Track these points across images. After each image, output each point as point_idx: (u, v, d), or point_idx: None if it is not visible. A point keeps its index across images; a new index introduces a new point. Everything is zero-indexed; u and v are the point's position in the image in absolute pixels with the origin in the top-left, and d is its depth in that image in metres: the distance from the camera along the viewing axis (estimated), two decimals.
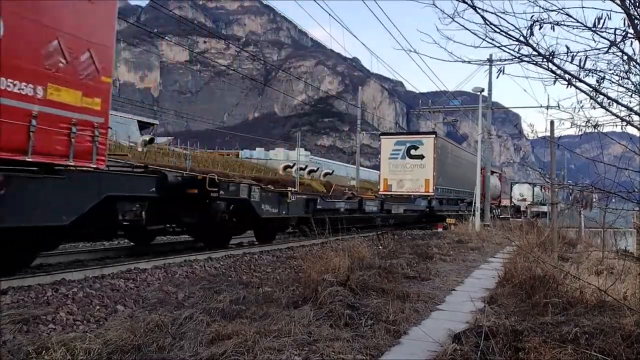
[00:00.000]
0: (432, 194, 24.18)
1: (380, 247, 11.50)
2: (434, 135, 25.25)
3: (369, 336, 4.54)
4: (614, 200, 5.22)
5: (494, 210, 37.70)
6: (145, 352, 3.94)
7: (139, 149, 37.73)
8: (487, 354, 3.72)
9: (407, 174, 24.90)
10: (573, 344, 3.76)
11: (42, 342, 3.88)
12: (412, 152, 25.08)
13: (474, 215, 23.85)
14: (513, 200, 53.00)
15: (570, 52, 3.71)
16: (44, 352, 3.63)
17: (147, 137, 44.66)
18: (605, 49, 3.73)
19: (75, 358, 3.61)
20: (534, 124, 5.87)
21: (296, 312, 5.06)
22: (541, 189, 59.74)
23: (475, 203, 24.84)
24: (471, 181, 29.83)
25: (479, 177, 28.27)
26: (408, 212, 23.49)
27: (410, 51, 5.67)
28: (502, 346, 3.86)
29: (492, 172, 38.76)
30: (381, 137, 27.25)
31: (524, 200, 52.36)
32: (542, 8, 3.62)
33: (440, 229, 21.73)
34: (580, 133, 4.88)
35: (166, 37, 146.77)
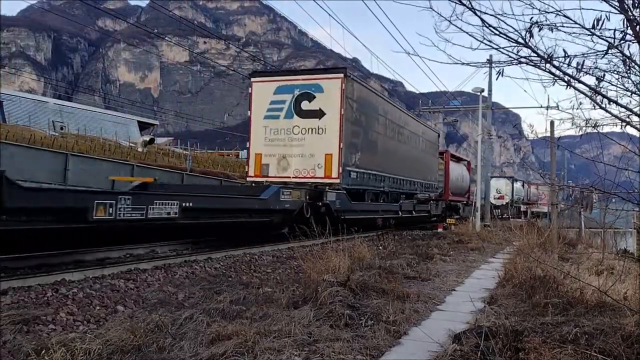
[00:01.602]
0: (338, 181, 14.18)
1: (380, 247, 11.51)
2: (343, 75, 14.50)
3: (369, 336, 4.54)
4: (613, 200, 5.22)
5: (460, 210, 30.90)
6: (146, 352, 3.94)
7: (139, 149, 37.76)
8: (487, 354, 3.72)
9: (294, 147, 14.65)
10: (573, 344, 3.76)
11: (42, 342, 3.89)
12: (305, 105, 14.65)
13: (474, 215, 23.89)
14: (490, 197, 47.31)
15: (568, 56, 3.72)
16: (44, 352, 3.63)
17: (147, 138, 44.70)
18: (604, 52, 3.74)
19: (75, 358, 3.61)
20: (534, 124, 5.88)
21: (296, 313, 5.07)
22: (523, 185, 52.91)
23: (475, 203, 24.85)
24: (426, 166, 23.80)
25: (480, 177, 27.93)
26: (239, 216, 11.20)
27: (410, 54, 5.67)
28: (502, 346, 3.86)
29: (458, 159, 33.03)
30: (252, 78, 15.78)
31: (501, 198, 44.54)
32: (540, 10, 3.62)
33: (440, 229, 21.72)
34: (580, 133, 4.89)
35: (166, 38, 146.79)
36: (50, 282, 6.35)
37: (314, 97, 14.73)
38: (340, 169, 14.34)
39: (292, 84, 15.18)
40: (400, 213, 19.89)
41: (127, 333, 4.15)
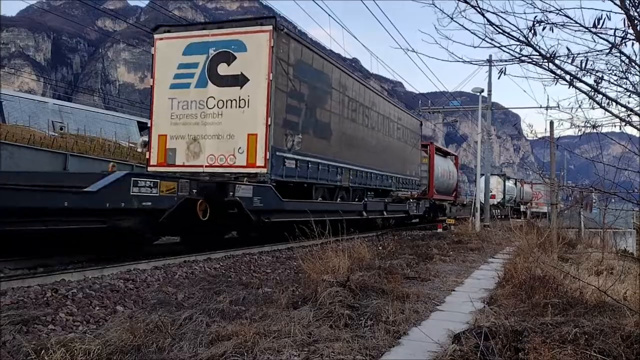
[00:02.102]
0: (265, 170, 10.98)
1: (380, 247, 11.50)
2: (272, 27, 11.13)
3: (368, 337, 4.54)
4: (613, 200, 5.23)
5: (446, 210, 29.33)
6: (145, 352, 3.94)
7: (139, 150, 37.72)
8: (486, 355, 3.71)
9: (209, 125, 11.40)
10: (573, 344, 3.76)
11: (41, 342, 3.88)
12: (223, 69, 11.33)
13: (473, 215, 23.86)
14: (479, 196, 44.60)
15: (571, 54, 3.71)
16: (43, 352, 3.63)
17: (146, 138, 44.59)
18: (606, 51, 3.74)
19: (74, 359, 3.61)
20: (534, 125, 5.89)
21: (296, 313, 5.06)
22: (515, 184, 49.62)
23: (475, 203, 24.75)
24: (404, 159, 21.41)
25: (479, 177, 27.76)
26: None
27: (409, 50, 5.65)
28: (501, 347, 3.85)
29: (445, 154, 31.24)
30: (154, 34, 12.17)
31: (492, 197, 40.08)
32: (540, 9, 3.62)
33: (440, 230, 21.73)
34: (579, 133, 4.88)
35: None
36: (49, 282, 6.35)
37: (235, 58, 11.14)
38: (268, 154, 10.87)
39: (206, 40, 11.49)
40: (364, 214, 16.30)
41: (127, 333, 4.14)
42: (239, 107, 11.23)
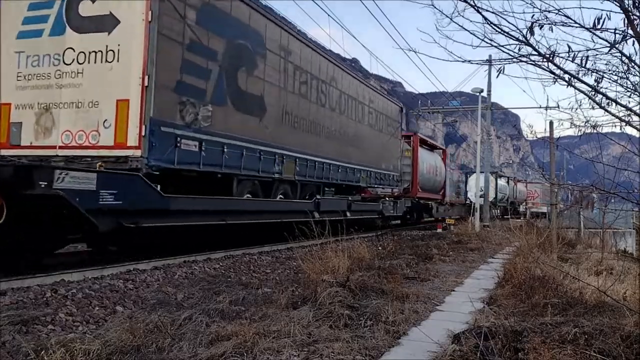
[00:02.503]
0: (139, 153, 7.86)
1: (379, 247, 11.50)
2: None
3: (368, 337, 4.53)
4: (613, 200, 5.23)
5: (432, 210, 27.31)
6: (145, 353, 3.93)
7: None
8: (486, 355, 3.71)
9: (65, 89, 8.26)
10: (572, 344, 3.76)
11: (41, 343, 3.88)
12: (86, 9, 8.22)
13: (473, 215, 23.84)
14: (468, 195, 36.75)
15: (572, 52, 3.71)
16: (43, 352, 3.62)
17: None
18: (606, 51, 3.74)
19: (74, 359, 3.60)
20: (533, 125, 5.90)
21: (295, 313, 5.06)
22: (508, 182, 46.83)
23: (475, 203, 24.70)
24: (379, 150, 18.22)
25: (479, 178, 27.70)
26: None
27: (409, 50, 5.66)
28: (501, 347, 3.85)
29: (431, 147, 28.20)
30: None
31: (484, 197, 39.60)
32: (539, 9, 3.63)
33: (439, 230, 21.74)
34: (579, 134, 4.88)
35: None
36: (49, 282, 6.35)
37: None
38: (145, 129, 7.79)
39: None
40: (317, 215, 12.45)
41: (127, 333, 4.14)
42: (106, 61, 7.98)
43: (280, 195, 12.40)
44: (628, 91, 4.10)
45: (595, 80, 3.96)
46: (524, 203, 55.42)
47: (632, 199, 4.33)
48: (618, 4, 3.50)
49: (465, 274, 9.02)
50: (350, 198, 15.79)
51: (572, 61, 3.75)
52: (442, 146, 33.23)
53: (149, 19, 7.89)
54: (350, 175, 15.67)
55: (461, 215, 33.06)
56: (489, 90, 27.90)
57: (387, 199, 19.60)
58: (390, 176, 19.58)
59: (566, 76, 3.87)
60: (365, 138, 17.01)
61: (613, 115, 4.10)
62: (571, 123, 4.79)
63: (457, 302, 6.39)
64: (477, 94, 25.72)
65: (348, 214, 15.32)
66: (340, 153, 14.91)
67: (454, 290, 7.31)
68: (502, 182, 44.14)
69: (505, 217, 39.98)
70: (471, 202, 35.08)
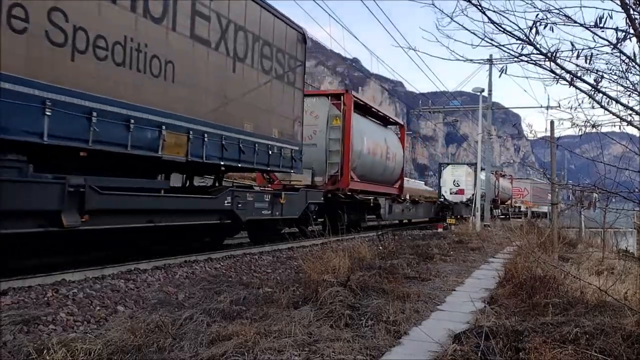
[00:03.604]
0: None
1: (380, 247, 11.50)
2: None
3: (369, 336, 4.54)
4: (614, 200, 5.22)
5: (383, 211, 19.26)
6: (146, 352, 3.94)
7: None
8: (487, 354, 3.71)
9: None
10: (573, 344, 3.76)
11: (42, 342, 3.89)
12: None
13: (474, 215, 23.78)
14: (442, 190, 32.50)
15: (575, 50, 3.71)
16: (44, 352, 3.63)
17: None
18: (606, 50, 3.74)
19: (75, 358, 3.61)
20: (534, 124, 5.90)
21: (296, 313, 5.06)
22: (475, 172, 37.77)
23: (475, 202, 24.41)
24: (252, 103, 10.59)
25: (479, 178, 27.53)
26: None
27: (410, 49, 5.66)
28: (502, 346, 3.86)
29: (384, 120, 21.68)
30: None
31: (460, 192, 32.14)
32: (540, 9, 3.63)
33: (440, 229, 21.74)
34: (580, 133, 4.88)
35: None
36: (50, 282, 6.35)
37: None
38: None
39: None
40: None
41: (128, 333, 4.15)
42: None
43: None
44: (628, 90, 4.10)
45: (596, 80, 3.96)
46: (508, 202, 48.13)
47: (633, 198, 4.33)
48: (619, 3, 3.50)
49: (466, 274, 9.02)
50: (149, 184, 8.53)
51: (577, 59, 3.75)
52: (400, 120, 24.24)
53: None
54: (147, 137, 8.00)
55: (430, 218, 28.88)
56: (490, 90, 27.90)
57: (255, 189, 12.15)
58: (279, 151, 11.66)
59: (567, 76, 3.88)
60: (219, 77, 9.68)
61: (614, 114, 4.09)
62: (572, 123, 4.78)
63: (458, 302, 6.39)
64: (478, 93, 25.70)
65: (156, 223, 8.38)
66: (164, 100, 8.29)
67: (454, 290, 7.31)
68: (482, 176, 37.57)
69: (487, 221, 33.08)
70: (445, 200, 31.24)
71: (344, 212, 16.63)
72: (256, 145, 10.81)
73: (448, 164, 35.37)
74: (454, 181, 32.56)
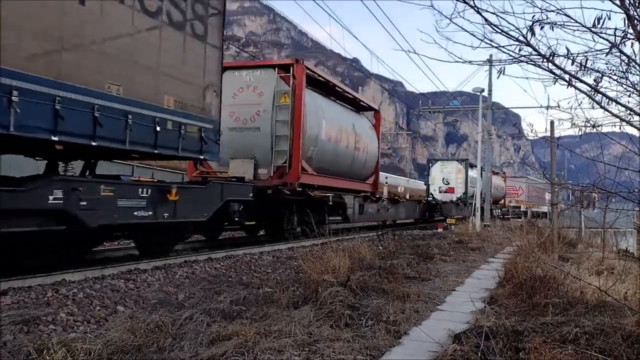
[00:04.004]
0: None
1: (380, 247, 11.50)
2: None
3: (369, 336, 4.54)
4: (614, 200, 5.23)
5: (350, 211, 16.27)
6: (146, 352, 3.94)
7: None
8: (487, 354, 3.72)
9: None
10: (573, 344, 3.76)
11: (42, 342, 3.89)
12: None
13: (474, 215, 23.76)
14: (431, 189, 30.39)
15: (571, 54, 3.72)
16: (44, 352, 3.63)
17: None
18: (606, 51, 3.74)
19: (75, 358, 3.61)
20: (534, 124, 5.88)
21: (296, 313, 5.07)
22: (481, 172, 31.61)
23: (475, 202, 24.29)
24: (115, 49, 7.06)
25: (479, 178, 27.40)
26: None
27: (410, 52, 5.67)
28: (502, 346, 3.86)
29: (355, 103, 17.96)
30: None
31: (450, 190, 30.11)
32: (540, 9, 3.63)
33: (440, 230, 21.75)
34: (580, 133, 4.88)
35: None
36: (50, 282, 6.35)
37: None
38: None
39: None
40: None
41: (128, 333, 4.15)
42: None
43: None
44: (628, 91, 4.11)
45: (595, 80, 3.96)
46: (501, 201, 45.47)
47: (633, 198, 4.33)
48: (618, 4, 3.51)
49: (466, 274, 9.02)
50: None
51: (573, 62, 3.75)
52: (374, 104, 20.19)
53: None
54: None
55: (416, 219, 25.61)
56: (490, 90, 27.91)
57: (123, 179, 8.00)
58: (177, 128, 8.46)
59: (566, 76, 3.88)
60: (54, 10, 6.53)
61: (613, 114, 4.10)
62: (572, 123, 4.79)
63: (458, 302, 6.40)
64: (478, 93, 25.71)
65: None
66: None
67: (454, 290, 7.32)
68: (473, 173, 32.49)
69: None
70: (433, 199, 28.93)
71: (292, 212, 13.39)
72: (129, 116, 7.40)
73: (437, 160, 33.17)
74: (443, 179, 30.70)
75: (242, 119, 12.95)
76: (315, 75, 14.54)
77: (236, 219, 10.65)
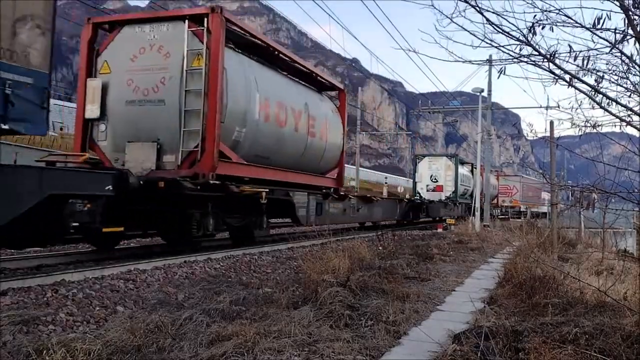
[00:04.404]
0: None
1: (380, 247, 11.51)
2: None
3: (369, 337, 4.54)
4: (613, 200, 5.23)
5: (299, 211, 12.94)
6: (145, 352, 3.94)
7: None
8: (487, 355, 3.72)
9: None
10: (573, 344, 3.76)
11: (42, 343, 3.89)
12: None
13: (473, 215, 23.75)
14: (418, 187, 28.69)
15: (573, 52, 3.72)
16: (44, 352, 3.63)
17: None
18: (606, 51, 3.74)
19: (75, 359, 3.61)
20: (534, 124, 5.87)
21: (296, 313, 5.07)
22: (472, 171, 32.21)
23: (475, 202, 24.23)
24: None
25: (478, 178, 27.38)
26: None
27: (410, 51, 5.66)
28: (502, 347, 3.86)
29: (317, 82, 14.92)
30: None
31: (438, 189, 28.27)
32: (540, 9, 3.63)
33: (440, 230, 21.77)
34: (579, 133, 4.88)
35: None
36: (49, 282, 6.35)
37: None
38: None
39: None
40: None
41: (127, 333, 4.15)
42: None
43: None
44: (628, 91, 4.11)
45: (596, 81, 3.97)
46: (494, 201, 41.74)
47: (633, 198, 4.33)
48: (618, 4, 3.51)
49: (466, 274, 9.02)
50: None
51: (574, 61, 3.76)
52: (338, 82, 17.03)
53: None
54: None
55: (398, 220, 23.14)
56: (490, 90, 27.91)
57: None
58: None
59: (566, 76, 3.88)
60: None
61: (613, 115, 4.10)
62: (571, 123, 4.79)
63: (458, 302, 6.40)
64: (478, 93, 25.70)
65: None
66: None
67: (454, 290, 7.32)
68: (464, 170, 31.25)
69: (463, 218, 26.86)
70: (420, 198, 26.82)
71: (207, 213, 9.95)
72: None
73: (424, 156, 30.91)
74: (431, 176, 28.62)
75: (143, 89, 9.71)
76: (242, 31, 10.96)
77: (74, 224, 7.33)
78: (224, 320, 4.90)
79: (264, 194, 11.03)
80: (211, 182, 9.49)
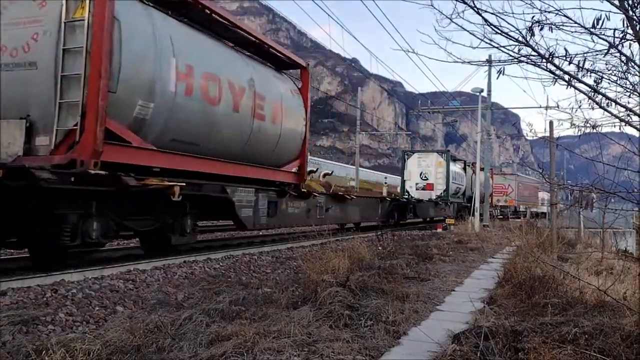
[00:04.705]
0: None
1: (379, 247, 11.51)
2: None
3: (368, 337, 4.54)
4: (613, 200, 5.24)
5: (240, 211, 10.34)
6: (145, 352, 3.94)
7: None
8: (486, 355, 3.72)
9: None
10: (573, 344, 3.76)
11: (41, 343, 3.88)
12: None
13: (473, 215, 23.75)
14: (407, 185, 27.13)
15: (569, 55, 3.73)
16: (43, 352, 3.63)
17: None
18: (605, 52, 3.75)
19: (74, 359, 3.61)
20: (533, 124, 5.88)
21: (296, 313, 5.07)
22: (465, 168, 31.81)
23: (474, 202, 24.20)
24: None
25: (478, 178, 27.37)
26: None
27: (409, 52, 5.69)
28: (501, 347, 3.86)
29: (264, 52, 12.05)
30: None
31: (429, 187, 26.83)
32: (540, 10, 3.63)
33: (440, 230, 21.78)
34: (579, 133, 4.89)
35: None
36: (49, 282, 6.35)
37: None
38: None
39: None
40: None
41: (127, 333, 4.15)
42: None
43: None
44: (627, 91, 4.11)
45: (595, 81, 3.97)
46: (490, 198, 40.00)
47: (632, 198, 4.33)
48: (617, 4, 3.51)
49: (465, 274, 9.02)
50: None
51: (570, 63, 3.76)
52: (299, 58, 13.84)
53: None
54: None
55: (381, 220, 20.23)
56: (489, 90, 27.93)
57: None
58: None
59: (566, 76, 3.88)
60: None
61: (613, 115, 4.10)
62: (571, 123, 4.79)
63: (457, 302, 6.40)
64: (477, 93, 25.70)
65: None
66: None
67: (454, 290, 7.32)
68: (456, 168, 29.65)
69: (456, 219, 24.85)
70: (408, 197, 24.79)
71: (91, 214, 7.48)
72: None
73: (413, 152, 28.97)
74: (421, 174, 26.84)
75: (11, 49, 7.32)
76: None
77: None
78: (223, 320, 4.90)
79: (176, 189, 8.20)
80: (92, 172, 6.94)
